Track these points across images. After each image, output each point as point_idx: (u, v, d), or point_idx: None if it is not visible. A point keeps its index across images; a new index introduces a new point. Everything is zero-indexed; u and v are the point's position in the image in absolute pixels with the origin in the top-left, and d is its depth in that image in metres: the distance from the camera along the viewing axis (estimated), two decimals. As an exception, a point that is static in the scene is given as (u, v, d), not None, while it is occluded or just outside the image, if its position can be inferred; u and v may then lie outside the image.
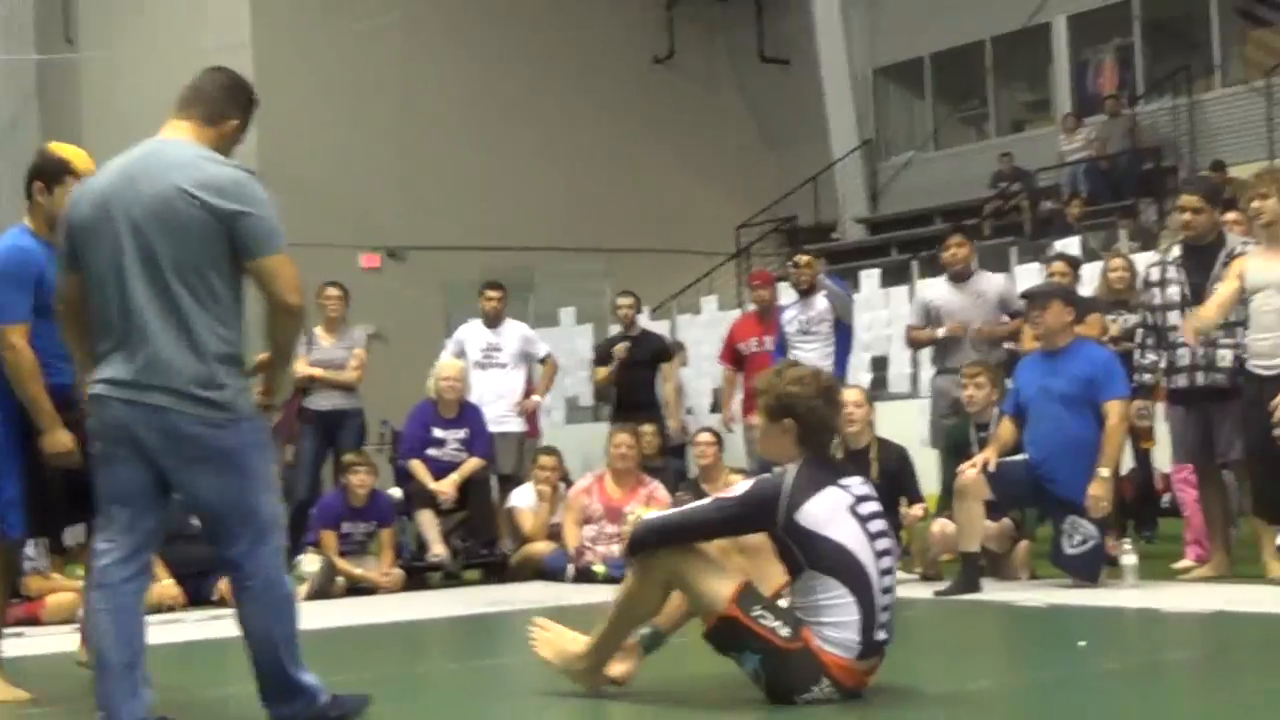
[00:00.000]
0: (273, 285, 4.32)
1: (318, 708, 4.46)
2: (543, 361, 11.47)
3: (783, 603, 4.72)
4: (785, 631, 4.55)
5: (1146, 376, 8.01)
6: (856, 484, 4.73)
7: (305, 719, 4.44)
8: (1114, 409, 7.57)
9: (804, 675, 4.55)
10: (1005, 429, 7.91)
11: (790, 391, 4.77)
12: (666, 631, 4.96)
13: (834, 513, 4.61)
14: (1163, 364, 7.91)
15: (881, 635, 4.66)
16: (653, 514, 5.22)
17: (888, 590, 4.68)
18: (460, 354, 10.99)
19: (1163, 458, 9.05)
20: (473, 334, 11.23)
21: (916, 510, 8.41)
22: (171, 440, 4.29)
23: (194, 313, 4.26)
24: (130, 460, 4.33)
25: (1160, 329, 7.92)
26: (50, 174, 5.43)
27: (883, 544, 4.69)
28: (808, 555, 4.60)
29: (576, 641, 4.98)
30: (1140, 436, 8.61)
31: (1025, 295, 8.21)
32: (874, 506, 4.73)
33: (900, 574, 8.41)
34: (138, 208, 4.28)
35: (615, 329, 12.87)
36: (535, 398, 11.42)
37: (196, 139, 4.43)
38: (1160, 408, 8.24)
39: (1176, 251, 7.95)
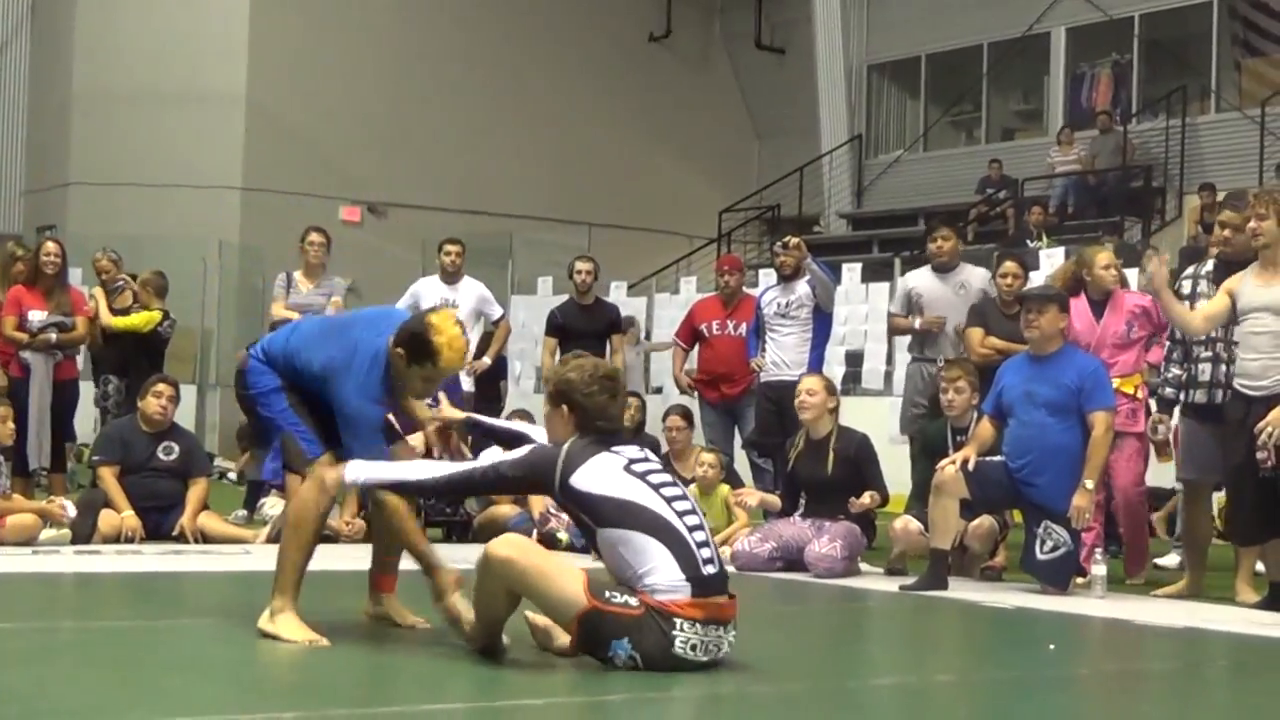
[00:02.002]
0: None
1: None
2: (496, 323, 11.37)
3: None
4: (634, 601, 4.67)
5: (1169, 390, 7.76)
6: (631, 451, 4.89)
7: None
8: (1100, 419, 7.44)
9: (665, 632, 4.65)
10: (985, 429, 7.80)
11: (568, 379, 4.96)
12: None
13: (607, 473, 4.80)
14: (1184, 377, 7.72)
15: (710, 569, 4.77)
16: (444, 467, 5.19)
17: (696, 527, 4.80)
18: (414, 308, 10.83)
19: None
20: (429, 289, 11.14)
21: (865, 498, 8.19)
22: None
23: None
24: None
25: (1187, 343, 7.70)
26: (415, 353, 5.15)
27: (670, 490, 4.84)
28: (593, 515, 4.80)
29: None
30: (1157, 450, 8.35)
31: (1022, 298, 8.08)
32: (651, 466, 4.90)
33: (864, 567, 8.45)
34: None
35: (564, 297, 12.47)
36: (485, 359, 11.30)
37: None
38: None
39: (1210, 266, 7.84)
